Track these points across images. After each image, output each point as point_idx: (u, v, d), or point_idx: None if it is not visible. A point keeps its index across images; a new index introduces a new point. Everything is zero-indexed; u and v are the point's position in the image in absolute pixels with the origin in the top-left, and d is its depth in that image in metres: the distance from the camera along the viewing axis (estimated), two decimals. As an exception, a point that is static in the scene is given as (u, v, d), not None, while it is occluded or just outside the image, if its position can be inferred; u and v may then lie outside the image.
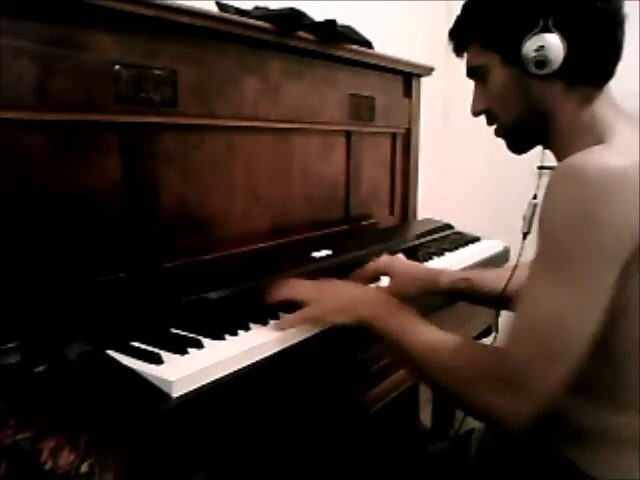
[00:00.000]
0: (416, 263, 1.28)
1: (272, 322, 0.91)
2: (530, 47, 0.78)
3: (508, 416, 0.73)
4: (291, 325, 0.89)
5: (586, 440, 0.80)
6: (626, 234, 0.70)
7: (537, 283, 0.74)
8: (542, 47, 0.77)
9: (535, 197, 0.96)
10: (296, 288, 0.94)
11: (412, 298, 1.07)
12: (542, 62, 0.78)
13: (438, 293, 1.15)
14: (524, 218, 0.97)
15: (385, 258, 1.17)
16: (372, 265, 1.15)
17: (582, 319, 0.71)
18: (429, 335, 0.82)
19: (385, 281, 1.17)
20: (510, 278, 1.00)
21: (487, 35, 0.85)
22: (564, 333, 0.71)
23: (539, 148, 0.92)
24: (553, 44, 0.77)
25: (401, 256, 1.29)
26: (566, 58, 0.78)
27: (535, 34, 0.78)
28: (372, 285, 1.15)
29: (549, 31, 0.77)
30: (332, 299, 0.90)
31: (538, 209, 0.91)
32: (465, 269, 1.32)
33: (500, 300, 1.03)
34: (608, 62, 0.81)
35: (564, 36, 0.78)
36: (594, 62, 0.80)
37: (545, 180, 0.77)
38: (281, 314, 0.93)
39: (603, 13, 0.78)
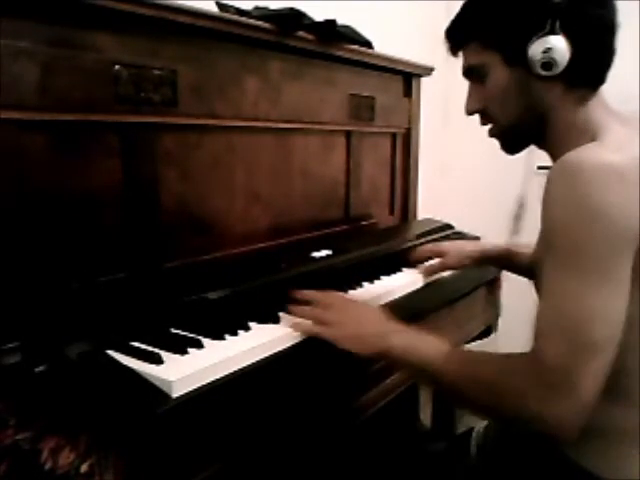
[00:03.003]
0: (464, 240, 1.45)
1: (271, 323, 0.91)
2: (537, 49, 0.80)
3: (560, 421, 0.72)
4: (305, 333, 0.90)
5: (587, 436, 0.80)
6: (627, 225, 0.71)
7: (556, 281, 0.74)
8: (550, 49, 0.79)
9: (522, 198, 1.00)
10: (320, 311, 0.93)
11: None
12: (549, 64, 0.80)
13: (486, 263, 1.32)
14: (513, 218, 0.99)
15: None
16: (427, 247, 1.34)
17: (609, 308, 0.72)
18: (456, 357, 0.81)
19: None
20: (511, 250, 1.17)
21: (489, 34, 0.85)
22: (594, 324, 0.71)
23: (537, 149, 0.93)
24: (560, 46, 0.79)
25: None
26: (570, 60, 0.80)
27: (542, 36, 0.80)
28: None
29: (555, 33, 0.79)
30: (350, 327, 0.90)
31: (527, 208, 0.94)
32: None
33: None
34: (606, 66, 0.84)
35: (569, 39, 0.79)
36: (595, 65, 0.83)
37: (539, 179, 0.78)
38: (281, 314, 0.94)
39: (605, 20, 0.81)
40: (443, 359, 0.81)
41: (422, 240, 1.55)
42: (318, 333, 0.89)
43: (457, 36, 0.91)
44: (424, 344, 0.84)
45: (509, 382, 0.75)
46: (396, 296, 1.15)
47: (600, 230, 0.71)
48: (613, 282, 0.72)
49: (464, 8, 0.90)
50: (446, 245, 1.32)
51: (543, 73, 0.81)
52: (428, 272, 1.28)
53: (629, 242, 0.72)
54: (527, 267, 1.16)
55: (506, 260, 1.26)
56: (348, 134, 1.49)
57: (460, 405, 0.87)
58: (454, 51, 0.92)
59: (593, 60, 0.82)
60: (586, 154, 0.74)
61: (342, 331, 0.89)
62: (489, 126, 0.93)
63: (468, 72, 0.91)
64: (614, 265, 0.72)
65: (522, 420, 0.76)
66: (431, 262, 1.30)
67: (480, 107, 0.91)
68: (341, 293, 1.07)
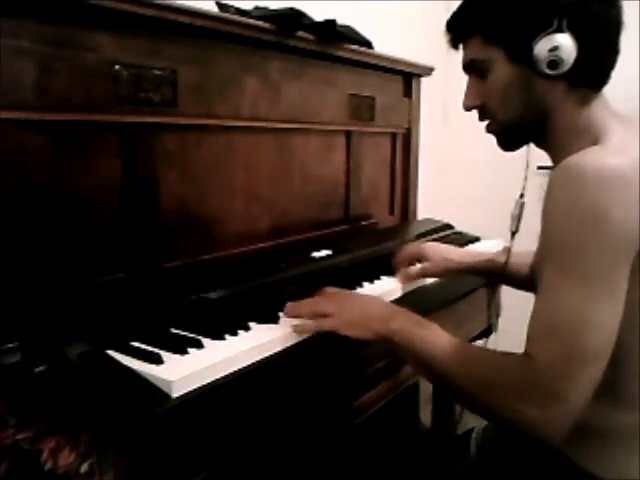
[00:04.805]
0: (447, 246, 1.33)
1: (271, 323, 0.91)
2: (543, 47, 0.78)
3: (546, 425, 0.71)
4: (306, 331, 0.88)
5: (587, 437, 0.80)
6: (629, 230, 0.70)
7: (553, 286, 0.74)
8: (557, 47, 0.78)
9: (522, 196, 0.99)
10: (316, 302, 0.92)
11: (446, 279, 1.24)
12: (555, 62, 0.79)
13: (468, 273, 1.24)
14: (512, 217, 0.98)
15: (416, 244, 1.28)
16: (406, 252, 1.23)
17: (604, 316, 0.71)
18: (455, 346, 0.80)
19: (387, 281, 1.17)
20: (506, 262, 1.07)
21: (493, 30, 0.83)
22: (589, 332, 0.70)
23: (536, 148, 0.92)
24: (567, 45, 0.78)
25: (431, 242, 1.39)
26: (575, 59, 0.79)
27: (549, 34, 0.78)
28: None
29: (562, 32, 0.78)
30: (351, 313, 0.88)
31: (525, 208, 0.93)
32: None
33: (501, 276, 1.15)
34: (610, 67, 0.83)
35: (576, 38, 0.78)
36: (599, 65, 0.82)
37: (539, 180, 0.78)
38: (281, 314, 0.93)
39: (612, 19, 0.80)
40: (441, 347, 0.80)
41: (422, 240, 1.55)
42: (318, 327, 0.88)
43: (459, 29, 0.88)
44: (424, 330, 0.83)
45: (499, 380, 0.74)
46: (396, 296, 1.15)
47: (601, 237, 0.70)
48: (610, 291, 0.71)
49: (468, 0, 0.87)
50: (427, 250, 1.23)
51: (548, 72, 0.80)
52: (406, 278, 1.19)
53: (629, 248, 0.71)
54: (513, 278, 1.16)
55: (490, 271, 1.20)
56: (348, 134, 1.49)
57: (453, 397, 0.86)
58: (455, 44, 0.90)
59: (598, 60, 0.81)
60: (589, 158, 0.73)
61: (342, 319, 0.87)
62: (486, 122, 0.91)
63: (469, 66, 0.89)
64: (613, 273, 0.71)
65: (507, 419, 0.74)
66: (412, 267, 1.22)
67: (479, 103, 0.89)
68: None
